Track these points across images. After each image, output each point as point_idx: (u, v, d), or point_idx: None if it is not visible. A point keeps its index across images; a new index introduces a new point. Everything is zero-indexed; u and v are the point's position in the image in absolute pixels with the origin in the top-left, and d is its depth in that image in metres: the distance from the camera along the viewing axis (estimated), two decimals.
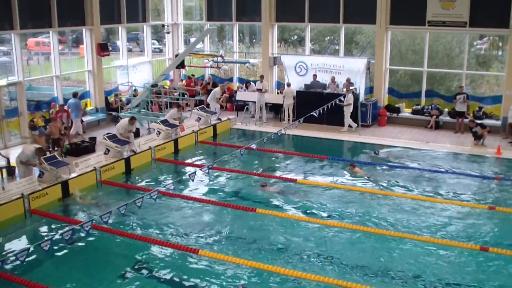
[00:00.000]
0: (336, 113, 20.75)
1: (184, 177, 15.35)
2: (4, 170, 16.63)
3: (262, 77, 24.32)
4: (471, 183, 16.42)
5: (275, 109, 24.85)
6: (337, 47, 26.05)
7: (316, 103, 19.34)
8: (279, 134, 16.74)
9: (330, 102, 18.87)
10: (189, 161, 18.68)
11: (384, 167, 17.79)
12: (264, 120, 23.65)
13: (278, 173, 17.36)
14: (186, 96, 22.80)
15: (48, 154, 16.44)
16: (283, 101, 23.40)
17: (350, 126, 22.32)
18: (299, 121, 17.40)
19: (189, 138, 20.28)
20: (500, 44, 26.20)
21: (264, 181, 16.23)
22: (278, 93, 25.43)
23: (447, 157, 19.02)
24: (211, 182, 16.54)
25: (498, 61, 26.33)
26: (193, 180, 13.19)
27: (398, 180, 16.59)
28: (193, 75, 27.77)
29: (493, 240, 12.58)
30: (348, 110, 22.10)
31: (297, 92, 23.44)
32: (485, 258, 11.67)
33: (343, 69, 23.79)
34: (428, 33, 23.58)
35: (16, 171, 15.90)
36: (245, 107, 24.22)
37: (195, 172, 12.97)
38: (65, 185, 15.22)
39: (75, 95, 21.47)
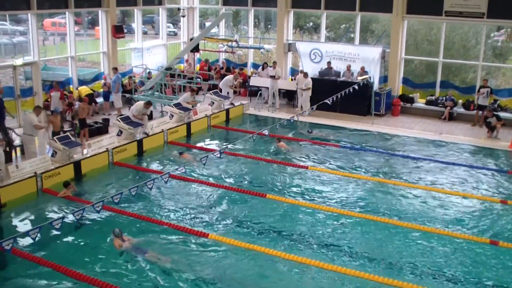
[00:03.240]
0: (349, 101, 20.65)
1: (195, 161, 15.42)
2: (18, 149, 16.76)
3: (275, 63, 24.27)
4: (483, 176, 16.31)
5: (289, 96, 24.83)
6: (352, 35, 25.91)
7: (329, 91, 19.30)
8: (292, 120, 16.75)
9: (344, 90, 18.84)
10: (201, 145, 18.71)
11: (388, 156, 17.80)
12: (277, 106, 23.63)
13: (289, 159, 17.35)
14: (200, 80, 22.81)
15: (61, 134, 16.60)
16: (297, 87, 23.34)
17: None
18: (312, 108, 17.37)
19: (202, 122, 20.32)
20: None
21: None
22: (292, 79, 25.38)
23: (460, 149, 18.92)
24: (222, 167, 16.56)
25: None
26: (204, 164, 13.21)
27: (404, 170, 16.61)
28: (207, 60, 27.76)
29: (504, 234, 12.51)
30: (307, 94, 22.43)
31: (311, 79, 23.34)
32: (495, 251, 11.63)
33: (358, 57, 23.70)
34: (444, 24, 23.38)
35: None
36: (258, 93, 24.18)
37: (207, 156, 12.99)
38: (77, 165, 15.33)
39: (116, 69, 21.80)
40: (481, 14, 22.06)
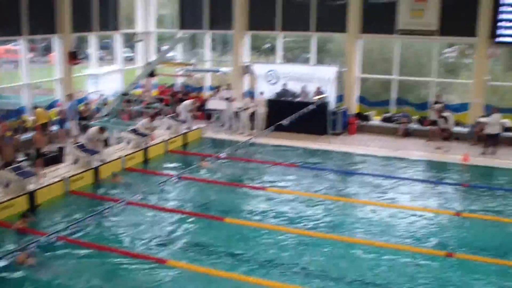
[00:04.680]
0: (306, 121, 20.82)
1: (153, 187, 15.34)
2: None
3: (229, 85, 24.42)
4: (438, 190, 16.68)
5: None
6: (308, 56, 26.21)
7: (286, 112, 19.45)
8: (250, 142, 16.83)
9: (300, 110, 19.02)
10: (159, 170, 18.60)
11: (339, 173, 18.00)
12: (235, 128, 23.65)
13: (247, 181, 17.39)
14: (159, 105, 22.76)
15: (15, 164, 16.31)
16: (255, 109, 23.43)
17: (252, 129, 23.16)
18: (270, 130, 17.48)
19: (159, 147, 20.22)
20: (468, 52, 26.65)
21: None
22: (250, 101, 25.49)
23: (416, 164, 19.29)
24: (180, 192, 16.49)
25: (467, 69, 26.76)
26: (162, 190, 13.16)
27: (361, 187, 16.87)
28: (165, 84, 27.73)
29: (458, 245, 12.77)
30: (244, 115, 22.95)
31: (268, 100, 23.53)
32: (451, 263, 11.83)
33: (313, 78, 23.94)
34: (398, 42, 23.89)
35: None
36: (215, 116, 24.24)
37: (164, 182, 12.95)
38: (32, 195, 15.03)
39: (71, 96, 21.48)
40: (433, 32, 22.60)
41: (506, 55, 27.26)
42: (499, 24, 21.95)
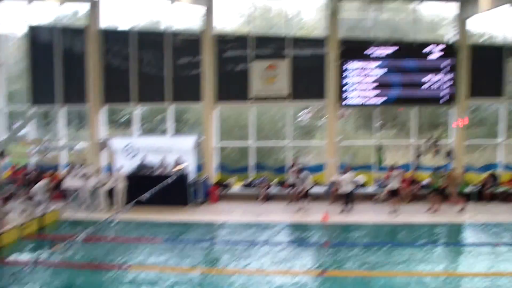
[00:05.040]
0: (167, 193, 20.66)
1: (6, 278, 14.35)
2: None
3: (86, 161, 23.85)
4: (302, 251, 17.06)
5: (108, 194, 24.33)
6: (166, 127, 26.28)
7: (147, 185, 19.19)
8: (111, 220, 16.37)
9: (160, 183, 18.87)
10: (12, 259, 17.45)
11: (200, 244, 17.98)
12: (94, 206, 22.91)
13: (110, 262, 16.77)
14: (11, 187, 21.62)
15: None
16: (114, 185, 22.93)
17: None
18: (130, 205, 17.14)
19: (13, 233, 19.00)
20: (321, 114, 28.05)
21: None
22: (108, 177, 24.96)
23: (278, 228, 19.66)
24: (37, 280, 15.52)
25: (321, 131, 28.07)
26: (15, 281, 12.36)
27: (226, 257, 16.80)
28: (18, 164, 26.49)
29: None
30: (102, 191, 22.75)
31: (127, 175, 23.16)
32: None
33: (172, 149, 24.01)
34: (253, 108, 24.67)
35: None
36: (73, 195, 23.42)
37: (19, 271, 12.18)
38: None
39: None
40: (285, 97, 23.66)
41: (355, 115, 29.02)
42: (344, 88, 23.47)
